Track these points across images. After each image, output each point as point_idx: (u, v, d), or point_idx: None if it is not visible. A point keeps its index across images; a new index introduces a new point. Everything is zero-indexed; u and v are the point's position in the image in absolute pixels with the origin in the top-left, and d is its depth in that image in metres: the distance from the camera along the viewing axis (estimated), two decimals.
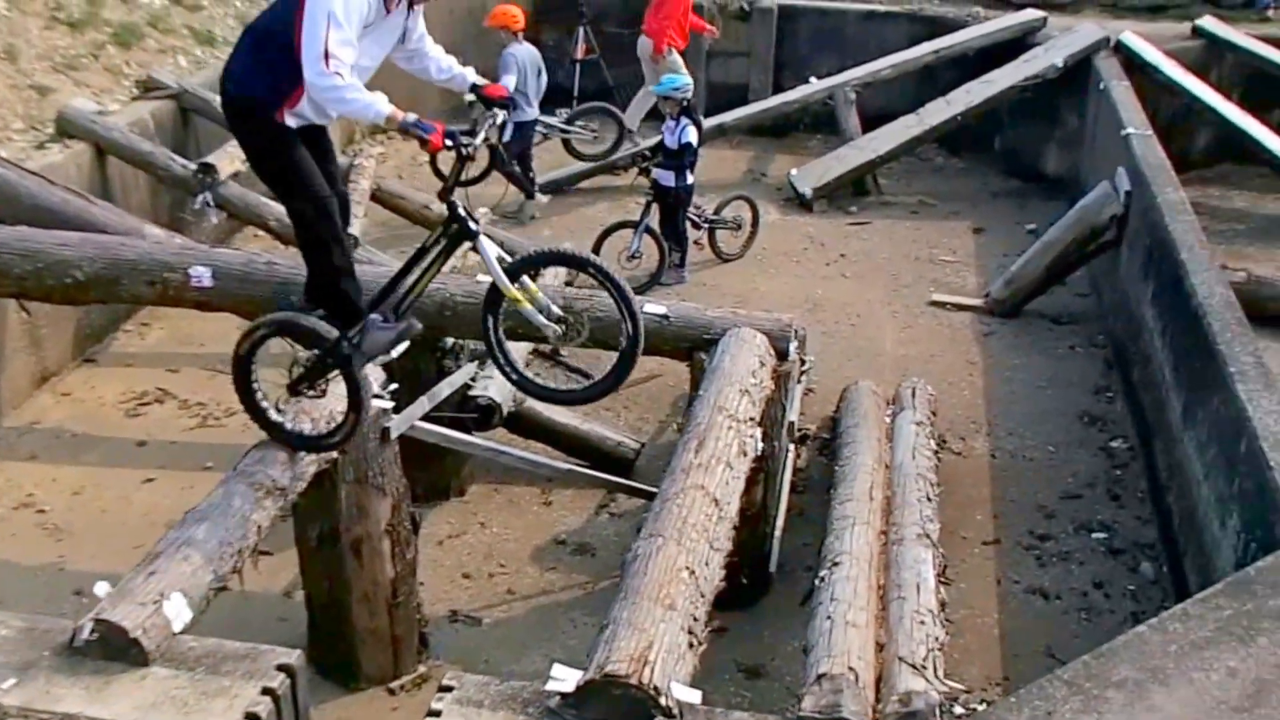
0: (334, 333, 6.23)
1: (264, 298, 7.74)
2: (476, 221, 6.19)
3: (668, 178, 12.79)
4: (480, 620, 7.87)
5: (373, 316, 6.30)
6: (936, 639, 6.40)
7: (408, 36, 6.30)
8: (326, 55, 5.66)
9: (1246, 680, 4.90)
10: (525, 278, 6.28)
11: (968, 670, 7.39)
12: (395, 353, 6.85)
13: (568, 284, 6.27)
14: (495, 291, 6.30)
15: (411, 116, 5.87)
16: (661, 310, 7.80)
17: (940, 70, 17.21)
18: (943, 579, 7.27)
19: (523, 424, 8.74)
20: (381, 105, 5.83)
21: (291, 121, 6.06)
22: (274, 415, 6.33)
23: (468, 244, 6.25)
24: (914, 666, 6.06)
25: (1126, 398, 10.70)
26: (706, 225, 13.41)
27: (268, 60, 5.93)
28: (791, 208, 15.34)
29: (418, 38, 6.36)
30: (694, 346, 7.79)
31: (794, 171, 15.80)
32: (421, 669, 7.32)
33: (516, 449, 8.24)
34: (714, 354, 7.56)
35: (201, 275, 7.77)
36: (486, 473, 9.12)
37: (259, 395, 6.36)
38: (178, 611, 5.02)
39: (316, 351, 6.33)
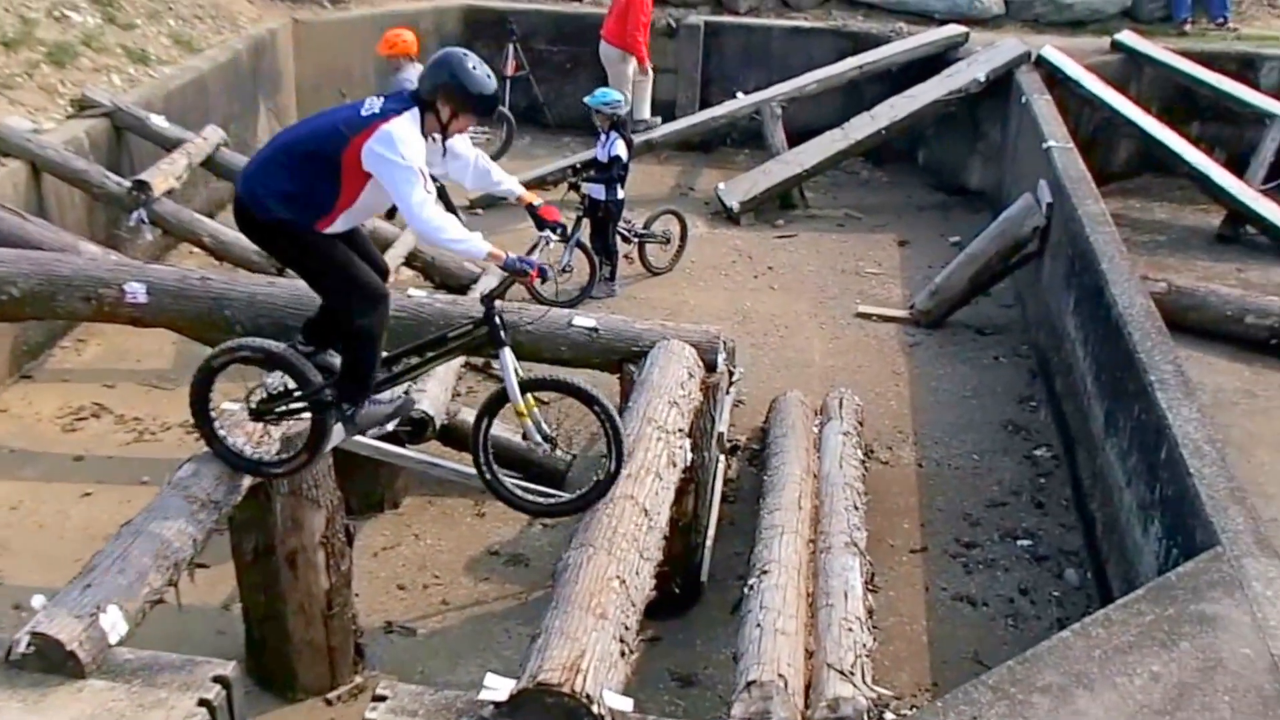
0: (319, 377, 6.34)
1: (199, 313, 7.82)
2: (508, 332, 6.38)
3: (598, 191, 12.84)
4: (415, 631, 7.89)
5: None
6: (865, 646, 6.46)
7: (450, 156, 6.37)
8: (425, 201, 5.84)
9: (1169, 684, 5.01)
10: (530, 395, 6.46)
11: (896, 677, 7.48)
12: (389, 427, 6.99)
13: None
14: (500, 399, 6.51)
15: (513, 256, 6.14)
16: (591, 323, 7.87)
17: (865, 85, 17.32)
18: (871, 586, 7.35)
19: (455, 437, 8.75)
20: (484, 245, 6.02)
21: (326, 229, 6.14)
22: (220, 431, 6.37)
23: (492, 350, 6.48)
24: (842, 673, 6.11)
25: (1050, 407, 10.84)
26: (636, 239, 13.47)
27: (303, 193, 6.01)
28: (719, 221, 15.42)
29: (465, 159, 6.46)
30: (623, 359, 7.86)
31: (721, 186, 15.87)
32: (358, 679, 7.33)
33: (450, 461, 8.27)
34: (643, 366, 7.62)
35: (136, 291, 7.79)
36: (420, 485, 9.11)
37: (212, 409, 6.40)
38: (114, 624, 5.03)
39: (295, 388, 6.40)
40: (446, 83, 6.03)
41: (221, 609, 7.80)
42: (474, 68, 6.10)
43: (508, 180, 6.61)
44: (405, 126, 5.88)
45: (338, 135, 5.92)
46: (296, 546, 6.77)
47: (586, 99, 13.03)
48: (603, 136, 12.89)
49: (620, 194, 12.95)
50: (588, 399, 6.41)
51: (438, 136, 6.15)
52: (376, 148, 5.80)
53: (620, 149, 12.78)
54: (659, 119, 17.19)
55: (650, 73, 16.86)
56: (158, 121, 12.63)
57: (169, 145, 12.50)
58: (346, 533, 7.12)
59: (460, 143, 6.40)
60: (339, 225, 6.13)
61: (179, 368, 10.44)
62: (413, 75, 13.36)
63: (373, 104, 6.00)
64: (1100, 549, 8.43)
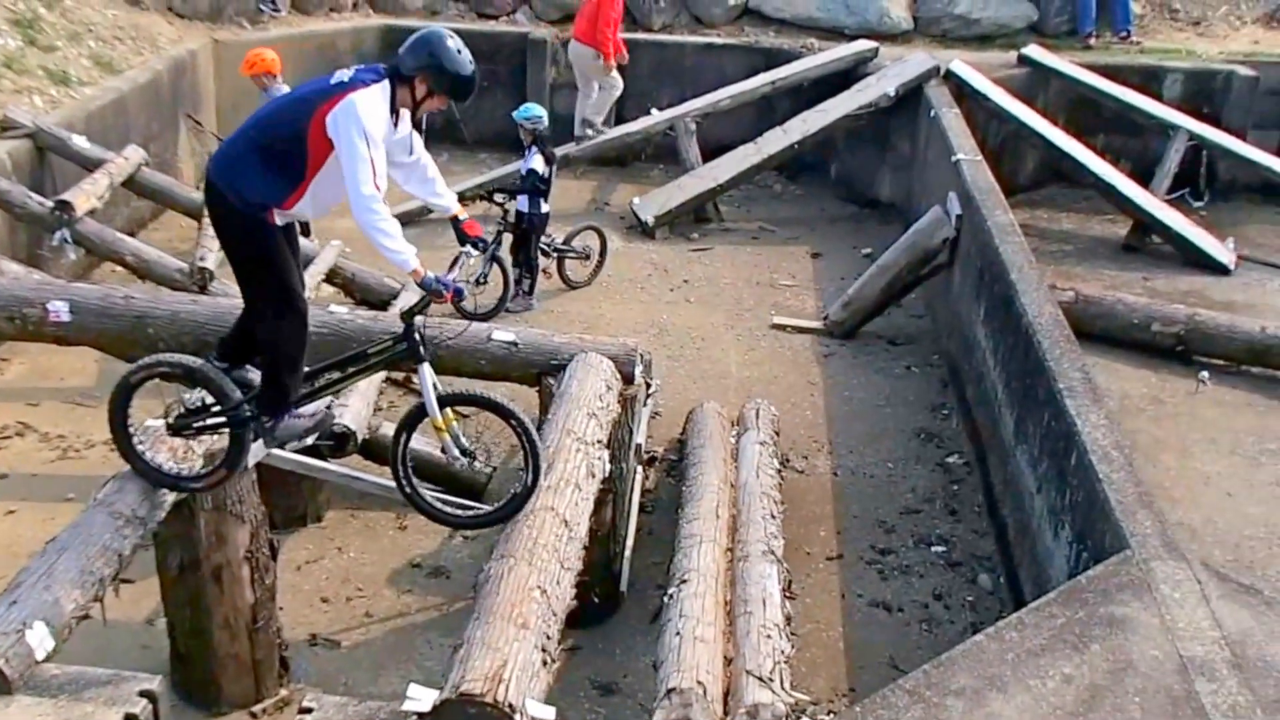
0: (238, 393, 6.32)
1: (122, 331, 7.84)
2: (427, 347, 6.42)
3: (522, 204, 12.95)
4: (339, 643, 7.88)
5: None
6: (783, 652, 6.53)
7: (408, 151, 6.38)
8: (375, 194, 5.83)
9: (1081, 685, 5.12)
10: (448, 409, 6.50)
11: (814, 682, 7.56)
12: (309, 441, 6.98)
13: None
14: (419, 413, 6.54)
15: (431, 275, 6.14)
16: (510, 337, 7.93)
17: (777, 100, 17.51)
18: (788, 594, 7.42)
19: (377, 450, 8.75)
20: (412, 259, 6.03)
21: (279, 220, 6.12)
22: (139, 447, 6.34)
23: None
24: (761, 679, 6.18)
25: (961, 414, 10.99)
26: (556, 254, 13.53)
27: (273, 166, 5.99)
28: (635, 235, 15.51)
29: (414, 154, 6.45)
30: (542, 372, 7.94)
31: (636, 200, 15.99)
32: (283, 692, 7.30)
33: (372, 475, 8.28)
34: (562, 379, 7.70)
35: (59, 310, 7.79)
36: (342, 499, 9.11)
37: (131, 425, 6.37)
38: (40, 640, 5.02)
39: (213, 403, 6.39)
40: (426, 61, 6.05)
41: (146, 624, 7.76)
42: (458, 51, 6.10)
43: (448, 195, 6.66)
44: (372, 99, 5.88)
45: (305, 103, 5.93)
46: (221, 561, 6.76)
47: (515, 115, 13.08)
48: (526, 151, 12.97)
49: (544, 208, 13.03)
50: (505, 413, 6.48)
51: (405, 113, 6.18)
52: (340, 116, 5.78)
53: (537, 163, 12.84)
54: (606, 129, 17.41)
55: (618, 80, 17.07)
56: (79, 142, 12.60)
57: (91, 165, 12.44)
58: (270, 547, 7.11)
59: (417, 143, 6.42)
60: (304, 203, 6.10)
61: (103, 385, 10.25)
62: (278, 92, 13.29)
63: (342, 74, 5.99)
64: (1012, 554, 8.56)
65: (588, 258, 13.84)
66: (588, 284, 13.80)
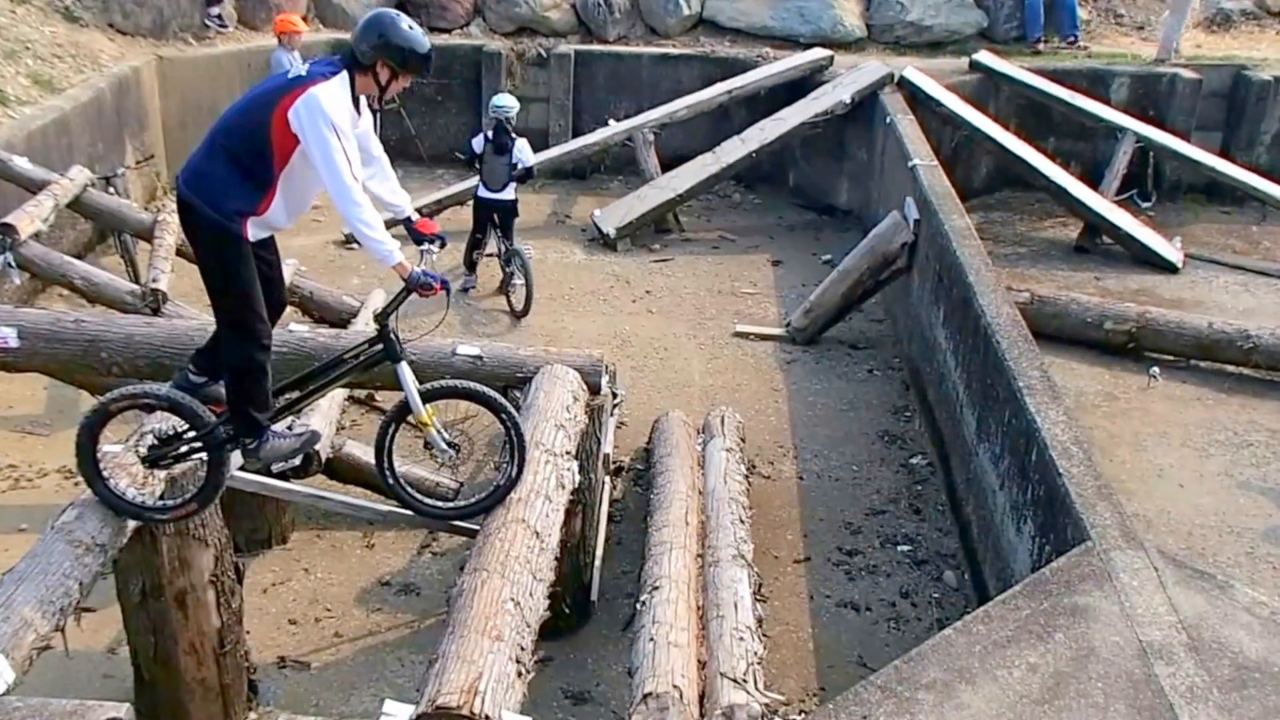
0: (212, 418, 6.25)
1: (73, 355, 7.70)
2: (403, 347, 6.41)
3: None
4: (309, 665, 7.87)
5: (275, 427, 6.45)
6: (755, 653, 6.58)
7: (368, 147, 6.35)
8: (354, 185, 5.83)
9: (1046, 674, 5.20)
10: (430, 405, 6.50)
11: (785, 683, 7.63)
12: (295, 462, 6.95)
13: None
14: (403, 410, 6.51)
15: (418, 270, 6.09)
16: (474, 351, 7.95)
17: (734, 109, 17.63)
18: (758, 597, 7.45)
19: (341, 469, 8.77)
20: (396, 253, 5.98)
21: (252, 233, 6.05)
22: (110, 478, 6.20)
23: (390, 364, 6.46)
24: (735, 681, 6.22)
25: (924, 416, 11.09)
26: (505, 257, 13.64)
27: (242, 170, 5.93)
28: (596, 248, 15.59)
29: (374, 153, 6.44)
30: (508, 385, 7.93)
31: (597, 212, 16.06)
32: (252, 716, 7.27)
33: (336, 494, 8.25)
34: (528, 391, 7.72)
35: (7, 336, 7.64)
36: (308, 519, 9.13)
37: (100, 456, 6.24)
38: (0, 673, 4.94)
39: (185, 429, 6.33)
40: (379, 44, 6.01)
41: (108, 652, 7.72)
42: (410, 27, 6.11)
43: (404, 196, 6.64)
44: (333, 91, 5.84)
45: (266, 100, 5.87)
46: (185, 586, 6.68)
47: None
48: None
49: (482, 192, 13.70)
50: (490, 403, 6.52)
51: (365, 107, 6.16)
52: (303, 110, 5.74)
53: (476, 141, 13.58)
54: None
55: None
56: (21, 163, 12.31)
57: (34, 187, 12.12)
58: (236, 570, 7.05)
59: (375, 141, 6.42)
60: (277, 206, 6.03)
61: (53, 412, 10.37)
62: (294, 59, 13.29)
63: (298, 68, 5.95)
64: (976, 550, 8.66)
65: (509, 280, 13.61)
66: (520, 311, 13.34)
